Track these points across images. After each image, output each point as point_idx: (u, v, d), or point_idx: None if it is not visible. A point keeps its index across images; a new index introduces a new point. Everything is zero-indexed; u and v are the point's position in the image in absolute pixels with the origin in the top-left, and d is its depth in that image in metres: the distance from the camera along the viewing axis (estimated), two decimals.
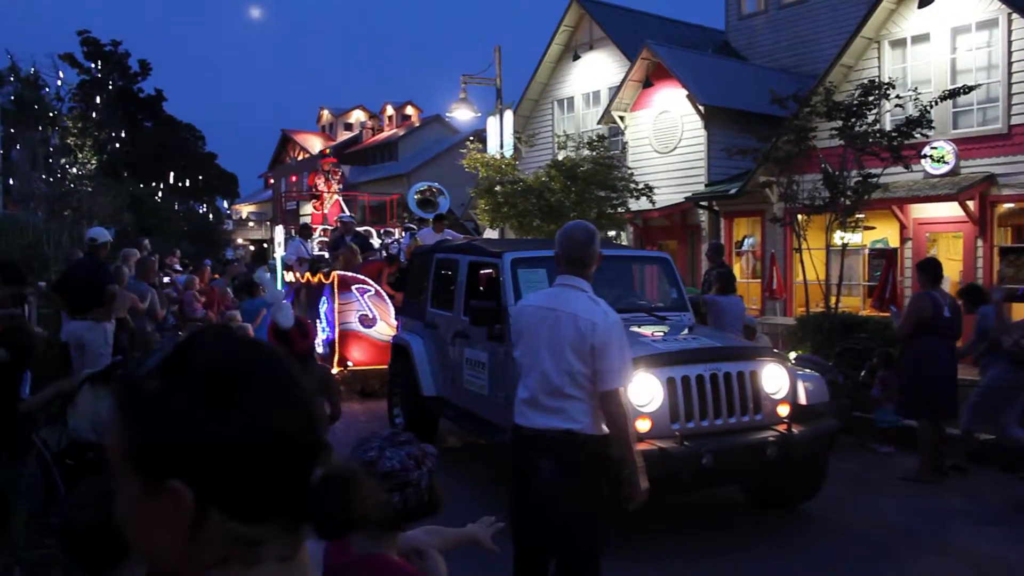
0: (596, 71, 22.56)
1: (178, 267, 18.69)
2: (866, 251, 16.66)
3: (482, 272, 8.37)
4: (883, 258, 16.07)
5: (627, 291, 8.39)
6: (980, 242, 14.86)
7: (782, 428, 6.25)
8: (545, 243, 10.87)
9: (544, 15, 23.72)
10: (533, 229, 17.09)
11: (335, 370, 11.49)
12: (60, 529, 2.48)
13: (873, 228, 15.64)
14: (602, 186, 17.77)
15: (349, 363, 11.99)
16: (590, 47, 22.75)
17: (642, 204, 18.25)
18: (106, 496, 2.31)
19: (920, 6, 15.30)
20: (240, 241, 55.44)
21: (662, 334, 6.69)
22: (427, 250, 9.74)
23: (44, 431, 6.26)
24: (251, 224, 59.22)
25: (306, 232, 14.96)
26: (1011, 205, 14.81)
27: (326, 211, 17.24)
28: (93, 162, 30.05)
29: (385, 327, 11.93)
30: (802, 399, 6.63)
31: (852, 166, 12.73)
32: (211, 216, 46.63)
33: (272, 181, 56.70)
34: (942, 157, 14.77)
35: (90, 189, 24.01)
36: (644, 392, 5.78)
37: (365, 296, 12.08)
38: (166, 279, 14.90)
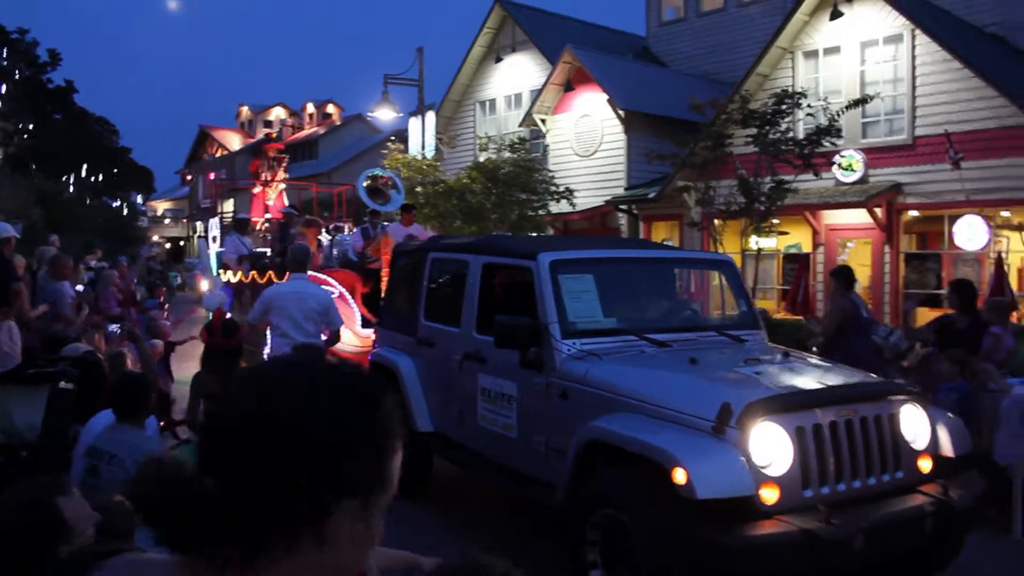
0: (518, 74, 22.73)
1: (94, 264, 18.10)
2: (780, 256, 17.08)
3: (503, 277, 6.97)
4: (796, 263, 16.51)
5: (681, 303, 7.13)
6: (887, 248, 15.42)
7: (931, 490, 4.74)
8: (581, 241, 9.34)
9: (467, 17, 23.74)
10: (453, 230, 17.08)
11: None
12: None
13: (787, 233, 16.08)
14: (523, 188, 17.92)
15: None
16: (512, 49, 22.88)
17: (563, 207, 18.47)
18: (27, 504, 2.26)
19: (832, 18, 15.83)
20: (156, 239, 54.10)
21: (756, 364, 5.24)
22: (418, 248, 7.97)
23: None
24: (167, 221, 57.89)
25: (243, 226, 13.36)
26: (916, 213, 15.42)
27: (270, 202, 15.55)
28: None
29: (350, 336, 10.21)
30: (946, 449, 4.99)
31: (766, 172, 13.08)
32: (125, 212, 45.38)
33: (189, 177, 55.47)
34: (850, 165, 15.29)
35: None
36: (768, 448, 4.23)
37: None
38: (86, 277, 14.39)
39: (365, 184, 13.16)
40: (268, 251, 13.08)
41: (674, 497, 4.05)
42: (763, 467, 4.18)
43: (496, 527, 6.66)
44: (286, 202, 15.78)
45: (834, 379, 5.06)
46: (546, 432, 5.40)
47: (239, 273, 12.10)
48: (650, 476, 4.23)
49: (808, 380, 4.97)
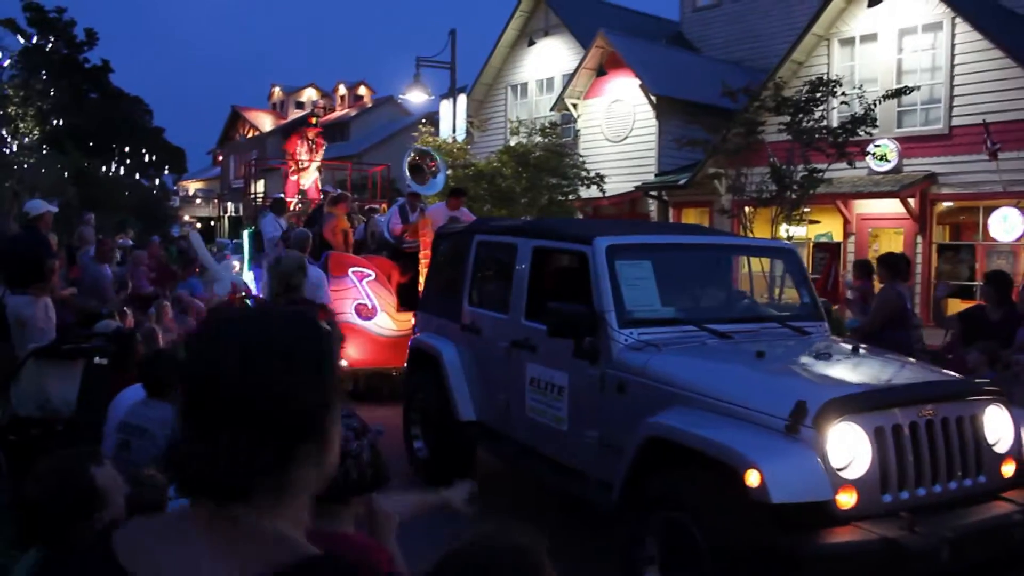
0: (550, 58, 22.58)
1: (130, 243, 18.28)
2: (810, 244, 16.96)
3: (555, 262, 6.66)
4: (826, 252, 16.36)
5: (737, 292, 6.78)
6: (920, 239, 15.23)
7: (1016, 496, 4.45)
8: (636, 226, 8.78)
9: (501, 0, 23.61)
10: (483, 214, 17.10)
11: None
12: (13, 503, 2.51)
13: (818, 222, 15.91)
14: (553, 173, 17.84)
15: (343, 362, 10.25)
16: (545, 33, 22.74)
17: (592, 192, 18.35)
18: (62, 473, 2.33)
19: (870, 5, 15.58)
20: (187, 218, 54.57)
21: (827, 358, 4.92)
22: (464, 230, 7.62)
23: None
24: (198, 201, 58.30)
25: (279, 207, 13.01)
26: (950, 204, 15.21)
27: (306, 184, 15.19)
28: (35, 133, 29.32)
29: (387, 320, 9.97)
30: None
31: (799, 161, 12.95)
32: (157, 192, 45.79)
33: (221, 158, 55.81)
34: (885, 155, 15.09)
35: (32, 160, 23.40)
36: (845, 449, 3.94)
37: (364, 282, 10.01)
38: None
39: (411, 156, 12.45)
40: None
41: (745, 501, 3.77)
42: (840, 470, 3.90)
43: (540, 522, 6.47)
44: (321, 185, 15.50)
45: (913, 377, 4.75)
46: (600, 426, 5.09)
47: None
48: (718, 477, 3.93)
49: (885, 377, 4.69)
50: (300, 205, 14.34)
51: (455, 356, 6.83)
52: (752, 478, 3.72)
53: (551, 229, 6.45)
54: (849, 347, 5.30)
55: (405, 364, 8.69)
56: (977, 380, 5.09)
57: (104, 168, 35.85)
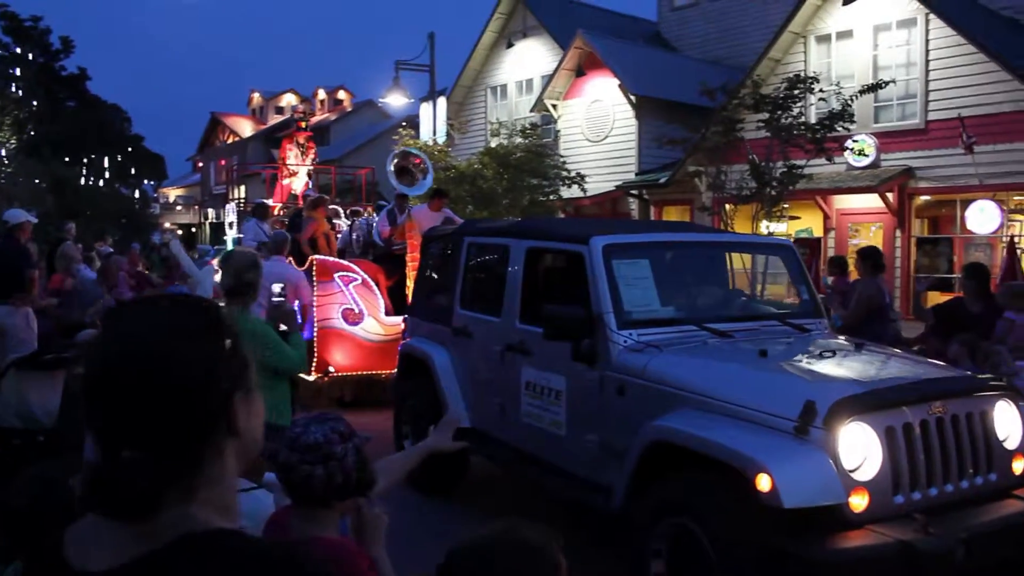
0: (529, 59, 22.54)
1: (108, 250, 18.15)
2: (791, 240, 17.03)
3: (549, 263, 6.46)
4: (807, 247, 16.44)
5: (735, 291, 6.62)
6: (899, 233, 15.32)
7: None
8: (631, 224, 8.58)
9: (479, 2, 23.63)
10: (465, 216, 17.10)
11: (312, 377, 9.57)
12: None
13: (798, 218, 15.99)
14: (534, 174, 17.84)
15: (330, 368, 9.65)
16: (524, 35, 22.73)
17: (573, 192, 18.36)
18: (44, 483, 2.31)
19: (845, 3, 15.63)
20: (168, 225, 54.22)
21: (831, 357, 4.78)
22: (453, 232, 7.43)
23: None
24: (179, 208, 57.93)
25: (262, 212, 12.91)
26: (927, 198, 15.30)
27: (296, 190, 14.97)
28: (12, 141, 29.07)
29: (374, 324, 9.79)
30: None
31: (778, 157, 13.00)
32: (137, 200, 45.51)
33: (201, 164, 55.51)
34: (863, 150, 15.17)
35: (9, 170, 23.18)
36: (856, 450, 3.84)
37: (350, 286, 9.80)
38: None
39: (395, 162, 12.26)
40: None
41: (754, 505, 3.65)
42: (851, 471, 3.79)
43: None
44: (310, 187, 15.28)
45: (921, 373, 4.57)
46: (600, 430, 4.95)
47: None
48: (726, 481, 3.82)
49: (892, 374, 4.52)
50: (284, 210, 14.15)
51: (447, 361, 6.67)
52: (763, 482, 3.61)
53: (545, 229, 6.30)
54: (852, 345, 5.15)
55: (394, 370, 8.51)
56: (983, 377, 4.92)
57: (83, 177, 35.60)
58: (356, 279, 9.80)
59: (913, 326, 9.82)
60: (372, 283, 9.88)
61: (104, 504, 1.08)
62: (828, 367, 4.58)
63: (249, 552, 1.09)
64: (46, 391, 5.52)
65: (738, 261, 6.61)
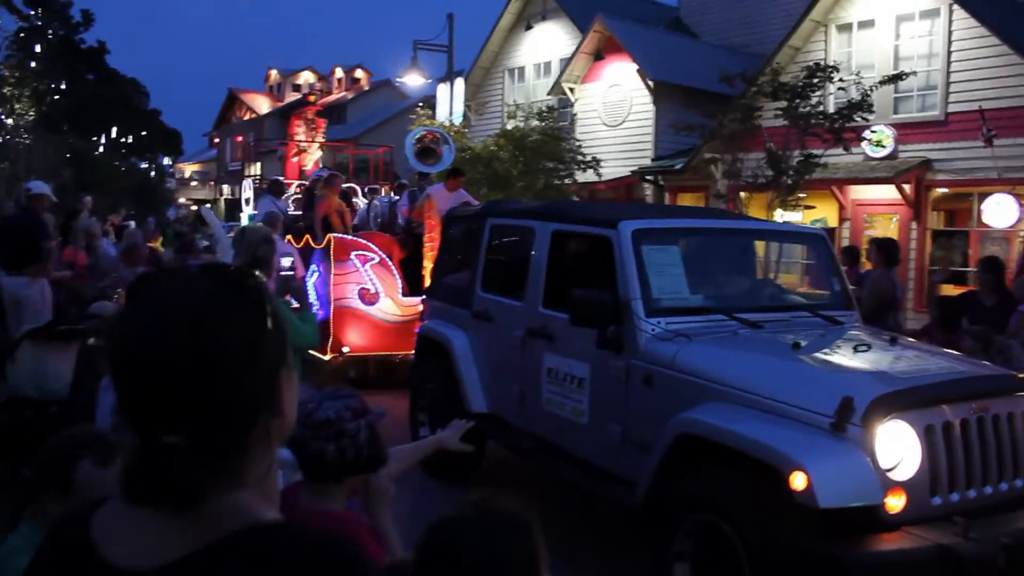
0: (548, 42, 22.38)
1: (131, 225, 18.24)
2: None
3: (574, 247, 6.21)
4: None
5: (764, 280, 6.48)
6: (914, 225, 15.20)
7: None
8: (663, 210, 8.39)
9: None
10: (480, 198, 17.08)
11: (327, 357, 9.46)
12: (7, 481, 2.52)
13: (813, 207, 15.88)
14: (550, 157, 17.75)
15: (345, 348, 9.49)
16: (543, 17, 22.57)
17: (589, 176, 18.28)
18: (52, 455, 2.33)
19: None
20: (183, 200, 54.37)
21: (867, 350, 4.62)
22: (476, 213, 7.23)
23: None
24: (194, 183, 58.10)
25: (277, 188, 12.71)
26: (945, 190, 15.16)
27: (307, 166, 14.84)
28: (31, 113, 29.18)
29: (391, 305, 9.58)
30: None
31: (795, 146, 12.91)
32: (153, 174, 45.66)
33: (217, 140, 55.57)
34: (881, 141, 15.03)
35: (28, 141, 23.29)
36: (894, 449, 3.69)
37: (367, 265, 9.58)
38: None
39: (415, 148, 11.94)
40: (300, 213, 12.46)
41: (787, 504, 3.52)
42: (888, 471, 3.63)
43: (554, 519, 5.76)
44: (321, 165, 15.13)
45: (961, 371, 4.37)
46: (624, 421, 4.77)
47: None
48: (758, 479, 3.67)
49: (931, 371, 4.30)
50: (300, 187, 14.01)
51: (466, 345, 6.50)
52: (798, 480, 3.47)
53: (572, 212, 6.16)
54: (887, 338, 4.93)
55: (410, 351, 8.43)
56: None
57: (100, 150, 35.72)
58: (374, 258, 9.60)
59: (924, 318, 9.78)
60: (390, 262, 9.70)
61: (146, 495, 1.00)
62: (865, 362, 4.42)
63: (313, 548, 1.02)
64: (60, 362, 5.56)
65: (763, 249, 6.51)
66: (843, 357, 4.62)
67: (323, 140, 15.56)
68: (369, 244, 9.73)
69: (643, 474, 4.39)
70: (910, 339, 5.26)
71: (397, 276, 9.67)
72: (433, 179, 11.64)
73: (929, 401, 3.88)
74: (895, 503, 3.64)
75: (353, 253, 9.55)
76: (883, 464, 3.63)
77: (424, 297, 8.06)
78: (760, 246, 6.54)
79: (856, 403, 3.67)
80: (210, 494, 1.00)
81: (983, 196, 14.06)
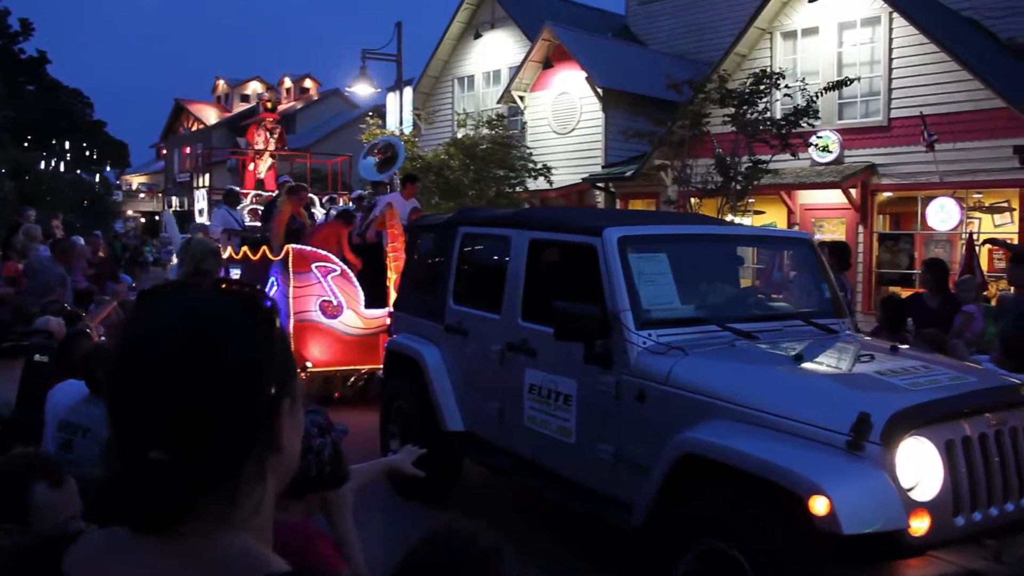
0: (497, 50, 22.30)
1: (78, 240, 17.82)
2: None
3: (554, 256, 5.94)
4: None
5: (749, 288, 6.27)
6: (861, 228, 15.40)
7: None
8: (645, 215, 8.00)
9: None
10: (431, 207, 16.99)
11: None
12: None
13: (763, 212, 16.01)
14: (501, 165, 17.65)
15: (308, 364, 9.08)
16: (492, 26, 22.52)
17: (540, 184, 18.20)
18: (14, 478, 2.22)
19: (810, 0, 15.75)
20: (131, 213, 53.42)
21: (871, 361, 4.40)
22: (446, 221, 6.82)
23: None
24: (142, 195, 57.07)
25: (233, 199, 12.40)
26: (889, 194, 15.39)
27: (261, 175, 14.31)
28: None
29: (353, 317, 9.26)
30: None
31: (743, 152, 13.00)
32: (100, 186, 44.79)
33: (164, 152, 54.72)
34: (827, 146, 15.22)
35: None
36: (915, 468, 3.47)
37: (328, 277, 9.27)
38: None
39: (375, 159, 11.59)
40: (259, 225, 12.03)
41: (805, 530, 3.24)
42: (909, 491, 3.38)
43: (537, 540, 5.56)
44: (277, 175, 14.72)
45: (975, 382, 4.07)
46: (615, 439, 4.49)
47: (228, 249, 10.81)
48: (770, 502, 3.42)
49: (942, 382, 3.98)
50: (256, 197, 13.63)
51: (439, 360, 6.17)
52: (819, 505, 3.19)
53: (550, 219, 5.81)
54: (887, 347, 4.66)
55: (373, 365, 8.17)
56: None
57: (44, 162, 34.95)
58: (335, 270, 9.27)
59: (872, 321, 9.88)
60: (351, 274, 9.36)
61: (122, 511, 0.95)
62: (873, 373, 4.13)
63: None
64: (4, 380, 5.38)
65: (748, 255, 6.24)
66: (848, 369, 4.39)
67: (286, 149, 15.16)
68: (328, 255, 9.37)
69: (641, 496, 4.11)
70: (908, 347, 4.97)
71: (358, 287, 9.33)
72: (389, 187, 11.42)
73: (948, 415, 3.63)
74: (919, 526, 3.38)
75: (313, 265, 9.19)
76: (904, 484, 3.38)
77: (391, 310, 7.70)
78: (744, 252, 6.31)
79: (873, 419, 3.41)
80: (197, 525, 0.95)
81: (927, 199, 14.30)
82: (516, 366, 5.34)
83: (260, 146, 14.55)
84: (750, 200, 13.51)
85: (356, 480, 2.55)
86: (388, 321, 8.75)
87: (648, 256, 4.95)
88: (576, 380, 4.80)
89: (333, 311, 9.21)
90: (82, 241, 12.44)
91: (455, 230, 6.41)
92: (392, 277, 9.12)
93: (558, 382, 4.96)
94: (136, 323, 1.02)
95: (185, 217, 21.82)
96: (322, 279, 9.22)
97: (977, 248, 12.47)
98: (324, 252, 9.42)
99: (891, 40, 14.73)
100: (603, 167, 19.03)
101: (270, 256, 9.71)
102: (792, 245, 6.18)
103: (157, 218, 48.65)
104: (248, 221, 12.60)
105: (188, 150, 45.33)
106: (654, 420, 4.22)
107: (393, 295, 8.71)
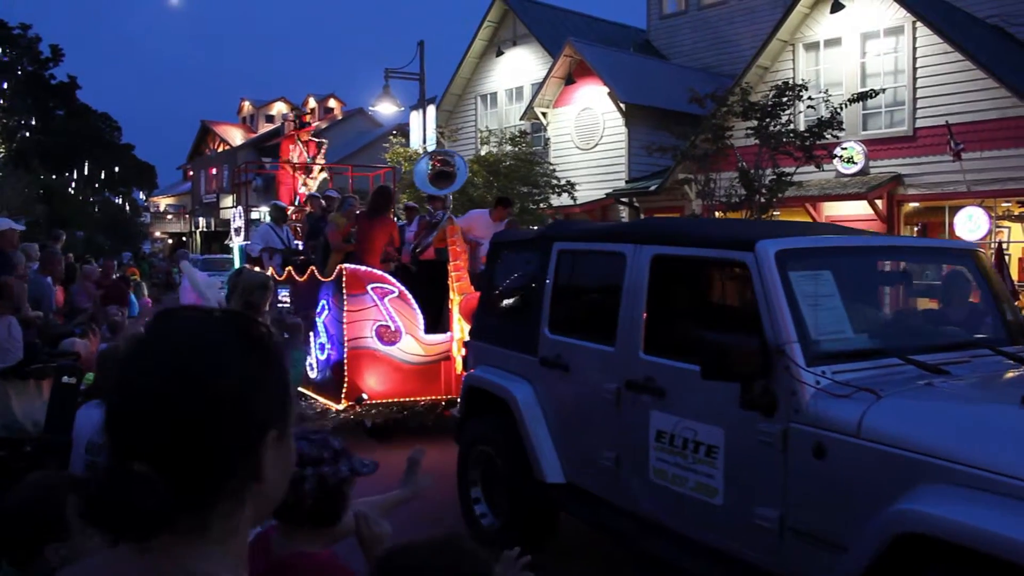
0: (519, 67, 22.57)
1: (94, 267, 18.09)
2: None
3: (683, 276, 4.89)
4: None
5: (915, 311, 5.44)
6: None
7: None
8: (809, 227, 6.24)
9: (469, 10, 23.67)
10: None
11: (342, 405, 8.24)
12: None
13: None
14: (524, 182, 17.81)
15: (364, 395, 8.21)
16: (514, 43, 22.75)
17: (563, 200, 18.34)
18: (46, 488, 2.27)
19: (832, 11, 15.71)
20: (158, 234, 54.08)
21: None
22: (537, 237, 5.91)
23: None
24: (169, 217, 57.81)
25: (280, 215, 11.52)
26: (916, 204, 15.34)
27: (313, 189, 13.34)
28: (0, 150, 28.95)
29: (412, 343, 8.34)
30: None
31: (767, 165, 13.02)
32: (127, 208, 45.38)
33: (191, 173, 55.38)
34: (852, 157, 15.21)
35: None
36: None
37: (385, 300, 8.35)
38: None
39: (429, 171, 10.49)
40: (300, 244, 11.45)
41: None
42: None
43: None
44: (318, 188, 13.80)
45: None
46: (781, 504, 3.64)
47: (269, 268, 10.17)
48: None
49: None
50: (298, 214, 12.89)
51: (532, 399, 5.35)
52: None
53: (678, 232, 4.94)
54: None
55: (435, 396, 7.92)
56: None
57: (73, 185, 35.47)
58: (392, 291, 8.39)
59: None
60: (410, 296, 8.50)
61: (101, 518, 1.00)
62: None
63: None
64: (31, 400, 5.47)
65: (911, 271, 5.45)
66: None
67: (324, 162, 14.76)
68: (385, 276, 8.61)
69: None
70: None
71: (418, 311, 8.47)
72: (447, 203, 10.72)
73: None
74: None
75: (369, 286, 8.34)
76: None
77: (464, 338, 7.13)
78: (912, 267, 5.47)
79: None
80: (166, 541, 1.00)
81: (954, 209, 14.22)
82: (638, 408, 4.49)
83: (294, 159, 13.76)
84: (775, 213, 13.53)
85: (378, 511, 2.48)
86: (453, 349, 8.32)
87: (811, 274, 4.14)
88: (723, 427, 3.96)
89: (391, 337, 8.35)
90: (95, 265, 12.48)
91: (549, 246, 5.53)
92: (455, 299, 8.53)
93: (698, 429, 4.10)
94: (140, 341, 1.07)
95: (213, 237, 21.90)
96: (379, 302, 8.36)
97: (1007, 258, 12.34)
98: (380, 272, 8.66)
99: (915, 49, 14.73)
100: (627, 182, 19.13)
101: (319, 277, 8.99)
102: (950, 256, 5.34)
103: (185, 239, 49.17)
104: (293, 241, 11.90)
105: (213, 171, 45.76)
106: (840, 482, 3.41)
107: (457, 319, 8.32)
